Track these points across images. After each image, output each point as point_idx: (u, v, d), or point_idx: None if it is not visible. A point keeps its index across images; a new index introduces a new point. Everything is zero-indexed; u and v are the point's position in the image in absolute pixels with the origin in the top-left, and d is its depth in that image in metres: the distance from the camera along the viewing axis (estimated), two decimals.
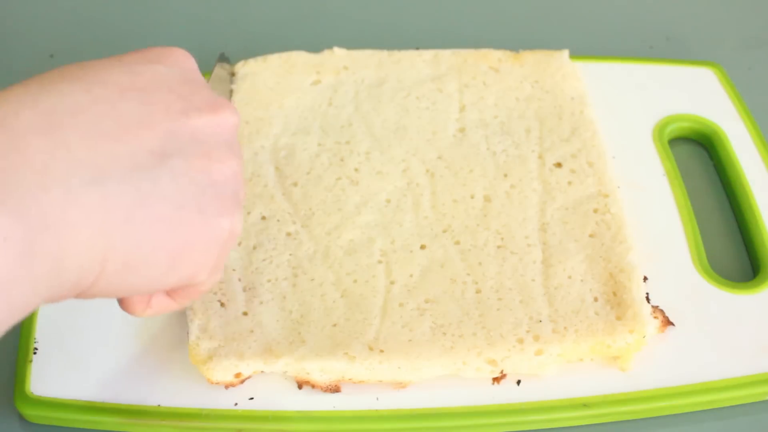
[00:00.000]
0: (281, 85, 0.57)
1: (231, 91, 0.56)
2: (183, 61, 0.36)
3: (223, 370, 0.43)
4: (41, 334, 0.46)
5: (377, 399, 0.44)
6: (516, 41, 0.62)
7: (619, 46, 0.65)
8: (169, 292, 0.38)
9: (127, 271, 0.31)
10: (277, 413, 0.44)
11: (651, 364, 0.45)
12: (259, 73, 0.57)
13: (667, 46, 0.66)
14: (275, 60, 0.58)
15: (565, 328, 0.45)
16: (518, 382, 0.45)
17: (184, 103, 0.34)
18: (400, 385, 0.44)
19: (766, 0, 0.70)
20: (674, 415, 0.45)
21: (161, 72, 0.34)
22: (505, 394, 0.44)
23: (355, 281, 0.47)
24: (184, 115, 0.33)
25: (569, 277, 0.47)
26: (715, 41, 0.66)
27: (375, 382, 0.44)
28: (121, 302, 0.37)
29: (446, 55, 0.58)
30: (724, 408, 0.45)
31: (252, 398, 0.44)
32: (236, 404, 0.44)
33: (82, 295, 0.31)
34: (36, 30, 0.68)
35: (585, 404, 0.44)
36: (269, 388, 0.45)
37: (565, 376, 0.45)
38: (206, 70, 0.61)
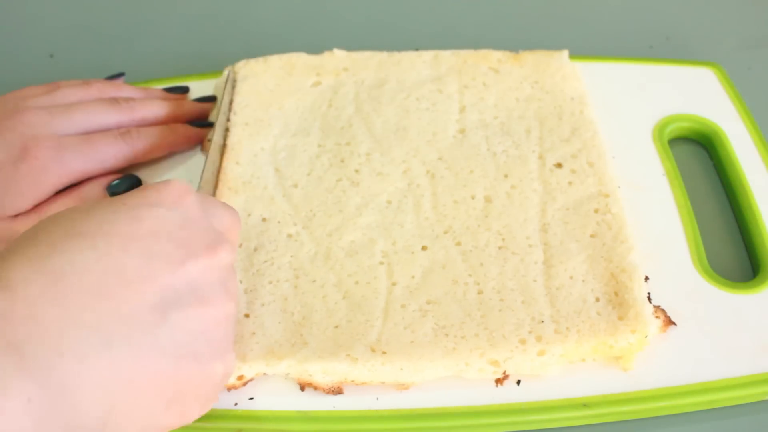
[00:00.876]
0: (281, 86, 0.57)
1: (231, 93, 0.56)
2: (182, 198, 0.39)
3: None
4: None
5: (377, 399, 0.44)
6: (516, 41, 0.62)
7: (619, 46, 0.65)
8: None
9: (126, 419, 0.34)
10: (277, 413, 0.44)
11: (650, 364, 0.45)
12: (259, 75, 0.57)
13: (667, 46, 0.66)
14: (275, 61, 0.58)
15: (567, 328, 0.45)
16: (518, 382, 0.45)
17: (182, 252, 0.36)
18: (403, 387, 0.44)
19: (766, 0, 0.70)
20: (674, 415, 0.45)
21: (162, 216, 0.37)
22: (506, 394, 0.44)
23: (356, 283, 0.47)
24: (182, 265, 0.36)
25: (571, 278, 0.47)
26: (715, 41, 0.66)
27: (377, 383, 0.44)
28: None
29: (446, 55, 0.58)
30: (724, 408, 0.45)
31: (252, 398, 0.44)
32: (236, 404, 0.44)
33: None
34: (36, 30, 0.68)
35: (585, 404, 0.44)
36: (269, 388, 0.45)
37: (565, 376, 0.45)
38: (206, 70, 0.61)
